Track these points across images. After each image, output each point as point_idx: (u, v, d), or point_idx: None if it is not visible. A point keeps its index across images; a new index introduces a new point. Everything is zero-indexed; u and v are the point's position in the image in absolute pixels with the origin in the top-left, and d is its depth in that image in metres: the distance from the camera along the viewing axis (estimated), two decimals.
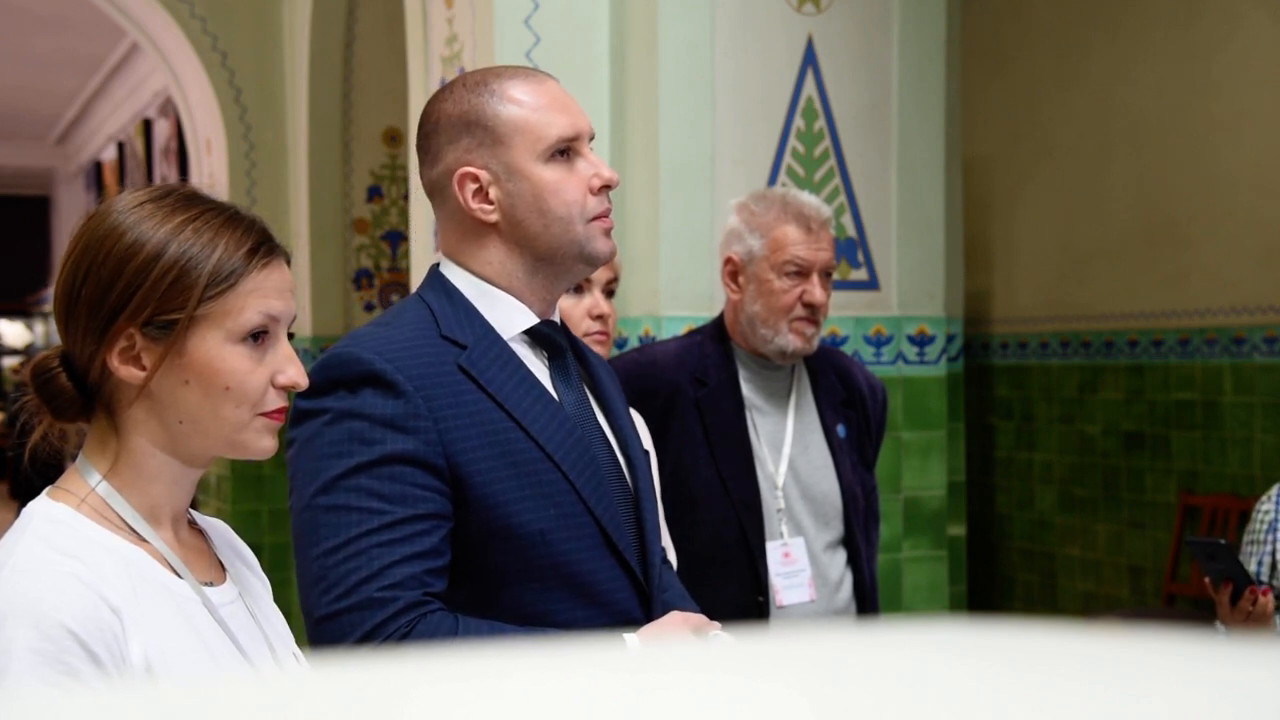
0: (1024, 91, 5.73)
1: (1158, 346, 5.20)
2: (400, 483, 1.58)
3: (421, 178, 1.79)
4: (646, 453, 1.86)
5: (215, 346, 1.25)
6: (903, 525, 3.77)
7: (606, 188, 1.73)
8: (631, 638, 1.64)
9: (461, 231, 1.73)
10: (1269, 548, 2.56)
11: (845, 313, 3.70)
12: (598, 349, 2.24)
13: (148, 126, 10.18)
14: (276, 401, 1.30)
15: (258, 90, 6.20)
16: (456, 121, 1.71)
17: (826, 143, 3.70)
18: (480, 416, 1.63)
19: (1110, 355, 5.41)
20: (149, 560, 1.25)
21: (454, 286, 1.72)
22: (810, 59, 3.68)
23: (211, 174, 6.39)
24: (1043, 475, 5.74)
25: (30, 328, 16.19)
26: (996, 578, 5.97)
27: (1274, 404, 4.77)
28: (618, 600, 1.69)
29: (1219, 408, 4.97)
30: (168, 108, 9.01)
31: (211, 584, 1.32)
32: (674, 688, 0.38)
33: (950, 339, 3.94)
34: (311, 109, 5.92)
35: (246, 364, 1.26)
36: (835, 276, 3.79)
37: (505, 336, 1.71)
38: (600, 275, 2.24)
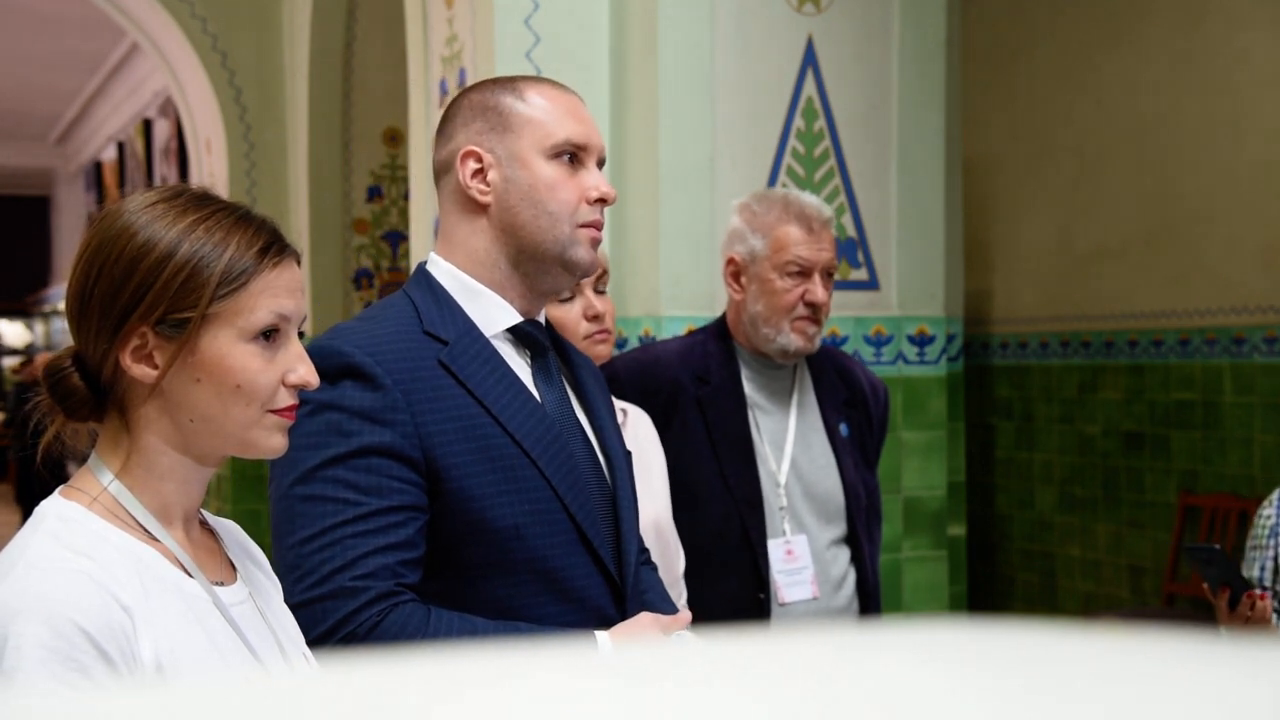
0: (1024, 91, 5.73)
1: (1158, 346, 5.20)
2: (376, 474, 1.60)
3: (433, 159, 1.83)
4: (629, 453, 1.88)
5: (227, 345, 1.26)
6: (903, 525, 3.78)
7: (603, 201, 1.76)
8: (603, 636, 1.66)
9: (455, 213, 1.77)
10: (1271, 552, 2.56)
11: (845, 313, 3.70)
12: (600, 349, 2.24)
13: (148, 126, 10.18)
14: (287, 399, 1.30)
15: (258, 90, 6.20)
16: (476, 107, 1.77)
17: (826, 143, 3.70)
18: (458, 412, 1.65)
19: (1110, 355, 5.42)
20: (160, 559, 1.25)
21: (439, 283, 1.75)
22: (810, 59, 3.68)
23: (211, 174, 6.39)
24: (1043, 475, 5.74)
25: (30, 328, 16.18)
26: (996, 578, 5.97)
27: (1274, 404, 4.77)
28: (591, 596, 1.71)
29: (1219, 408, 4.97)
30: (168, 108, 9.01)
31: (222, 584, 1.32)
32: (679, 694, 0.39)
33: (950, 339, 3.94)
34: (311, 109, 5.92)
35: (258, 363, 1.27)
36: (835, 276, 3.80)
37: (488, 334, 1.73)
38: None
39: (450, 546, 1.65)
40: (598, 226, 1.77)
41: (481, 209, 1.74)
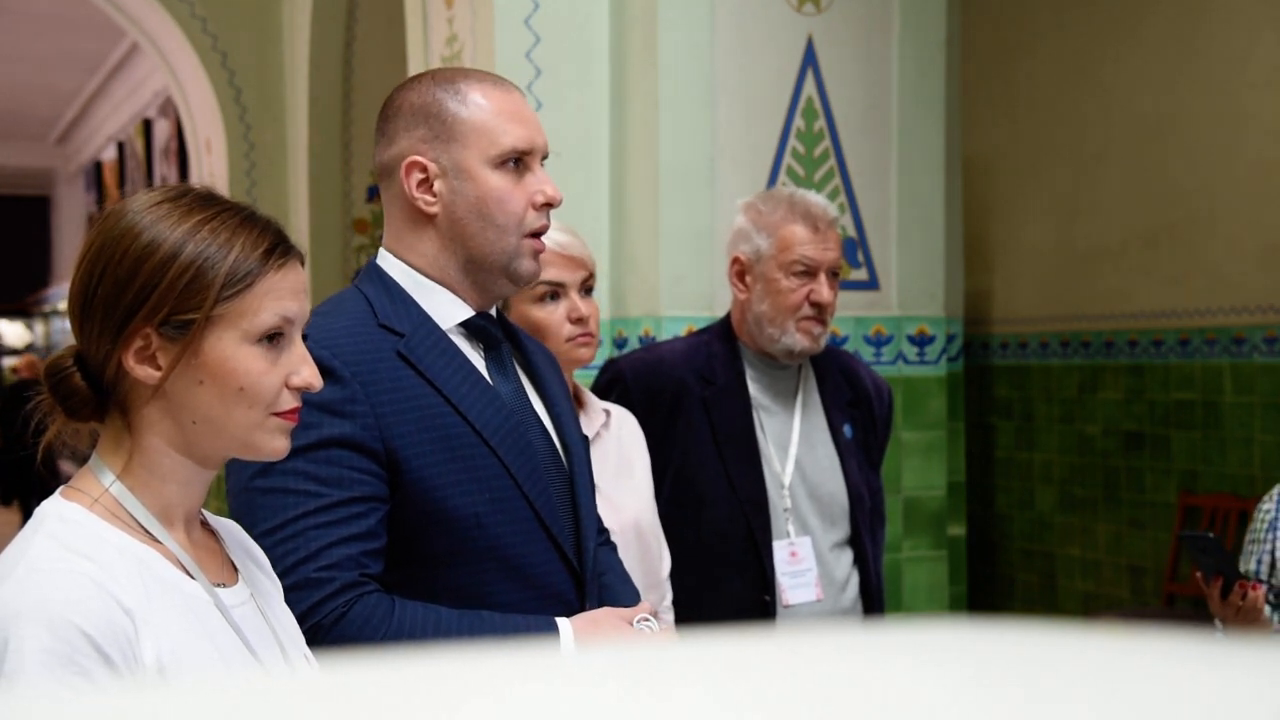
0: (1024, 91, 5.73)
1: (1158, 346, 5.20)
2: (337, 466, 1.62)
3: (374, 159, 1.82)
4: (585, 439, 1.90)
5: (230, 347, 1.26)
6: (903, 525, 3.78)
7: (548, 205, 1.76)
8: (565, 623, 1.67)
9: (402, 219, 1.77)
10: (1269, 546, 2.57)
11: (845, 313, 3.70)
12: (584, 351, 2.23)
13: (148, 126, 10.18)
14: (290, 402, 1.30)
15: (258, 90, 6.20)
16: (418, 110, 1.74)
17: (826, 143, 3.70)
18: (418, 402, 1.67)
19: (1110, 355, 5.42)
20: (161, 561, 1.25)
21: (391, 279, 1.76)
22: (810, 59, 3.68)
23: (211, 174, 6.39)
24: (1043, 475, 5.74)
25: (30, 328, 16.18)
26: (996, 578, 5.97)
27: (1274, 404, 4.77)
28: (552, 583, 1.73)
29: (1219, 408, 4.97)
30: (168, 108, 9.01)
31: (224, 585, 1.32)
32: (672, 693, 0.39)
33: (950, 339, 3.94)
34: (311, 109, 5.92)
35: (261, 365, 1.27)
36: (840, 276, 3.80)
37: (442, 327, 1.74)
38: (573, 277, 2.22)
39: (412, 536, 1.66)
40: (543, 232, 1.77)
41: (429, 219, 1.74)
